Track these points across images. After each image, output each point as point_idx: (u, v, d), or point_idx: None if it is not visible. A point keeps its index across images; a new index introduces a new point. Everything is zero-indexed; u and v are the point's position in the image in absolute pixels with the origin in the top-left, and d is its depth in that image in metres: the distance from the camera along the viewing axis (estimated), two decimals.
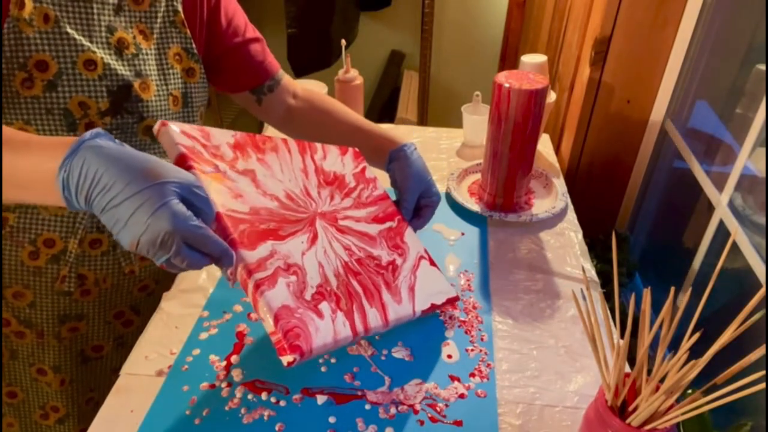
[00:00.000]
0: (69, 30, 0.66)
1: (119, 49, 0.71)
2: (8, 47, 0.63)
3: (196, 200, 0.50)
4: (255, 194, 0.61)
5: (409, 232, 0.77)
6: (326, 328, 0.57)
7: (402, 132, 1.31)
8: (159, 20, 0.75)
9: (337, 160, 0.75)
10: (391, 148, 0.82)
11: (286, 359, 0.53)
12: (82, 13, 0.67)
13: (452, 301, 0.76)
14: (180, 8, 0.77)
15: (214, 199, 0.55)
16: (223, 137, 0.63)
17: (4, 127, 0.53)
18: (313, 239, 0.64)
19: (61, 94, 0.67)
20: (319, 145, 0.74)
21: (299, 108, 0.92)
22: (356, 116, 0.90)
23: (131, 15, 0.72)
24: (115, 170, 0.47)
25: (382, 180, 0.81)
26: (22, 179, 0.51)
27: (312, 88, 1.20)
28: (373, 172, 0.80)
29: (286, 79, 0.92)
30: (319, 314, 0.58)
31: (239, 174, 0.61)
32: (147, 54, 0.74)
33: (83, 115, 0.68)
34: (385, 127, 1.33)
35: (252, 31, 0.87)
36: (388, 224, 0.75)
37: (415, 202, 0.80)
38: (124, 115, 0.72)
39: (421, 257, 0.76)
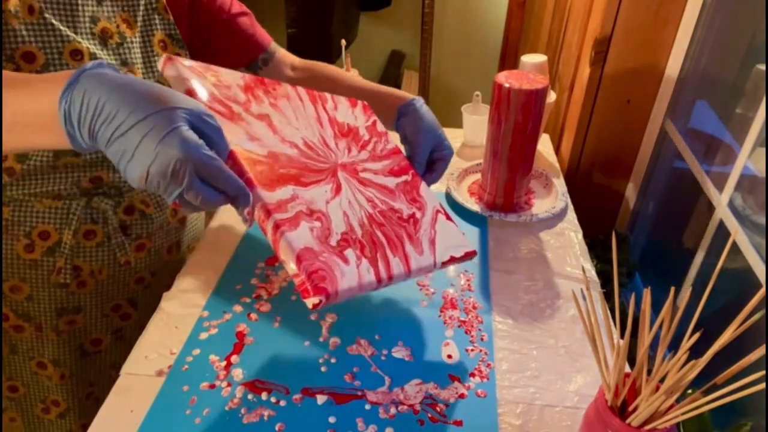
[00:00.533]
0: (54, 21, 0.66)
1: (103, 39, 0.71)
2: None
3: (207, 129, 0.46)
4: (273, 139, 0.59)
5: (423, 186, 0.75)
6: (351, 273, 0.56)
7: None
8: (141, 8, 0.75)
9: (348, 112, 0.74)
10: (399, 104, 0.80)
11: (311, 301, 0.50)
12: (66, 4, 0.67)
13: (470, 255, 0.74)
14: None
15: (230, 138, 0.52)
16: (233, 78, 0.60)
17: (5, 71, 0.52)
18: (337, 189, 0.63)
19: None
20: (328, 96, 0.72)
21: (300, 79, 0.90)
22: (360, 79, 0.89)
23: (114, 4, 0.72)
24: (119, 97, 0.43)
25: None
26: (24, 118, 0.48)
27: None
28: (382, 126, 0.79)
29: (281, 51, 0.90)
30: (345, 260, 0.56)
31: (255, 118, 0.59)
32: (132, 42, 0.74)
33: None
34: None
35: (238, 6, 0.86)
36: (403, 178, 0.74)
37: (427, 155, 0.78)
38: None
39: (438, 211, 0.74)
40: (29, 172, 0.72)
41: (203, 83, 0.55)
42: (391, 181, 0.71)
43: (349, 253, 0.58)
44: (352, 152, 0.69)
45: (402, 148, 0.79)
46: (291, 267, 0.52)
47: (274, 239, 0.52)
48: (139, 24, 0.75)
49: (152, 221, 0.83)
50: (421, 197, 0.73)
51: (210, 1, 0.82)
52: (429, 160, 0.79)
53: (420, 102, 0.81)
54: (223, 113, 0.55)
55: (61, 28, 0.67)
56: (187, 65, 0.55)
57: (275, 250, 0.53)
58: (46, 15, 0.66)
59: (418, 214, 0.71)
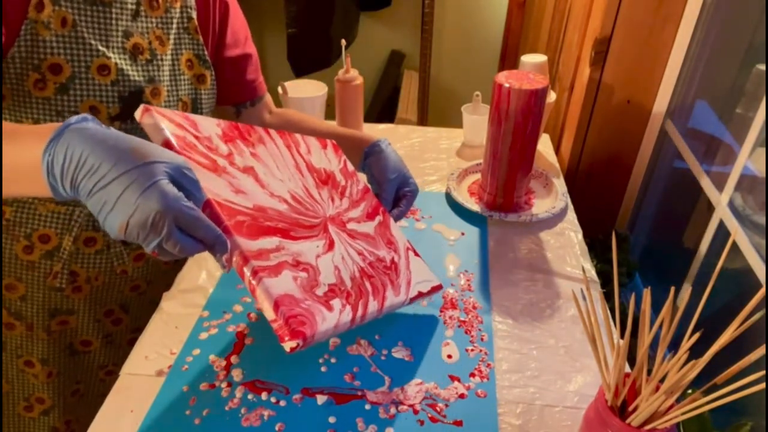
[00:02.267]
0: (86, 35, 0.66)
1: (134, 54, 0.71)
2: (24, 48, 0.63)
3: (186, 182, 0.47)
4: (262, 194, 0.60)
5: (392, 224, 0.78)
6: (332, 318, 0.57)
7: (402, 132, 1.31)
8: (174, 26, 0.76)
9: (322, 155, 0.75)
10: (365, 145, 0.83)
11: (288, 345, 0.51)
12: (100, 18, 0.68)
13: (436, 289, 0.77)
14: (194, 15, 0.78)
15: (209, 188, 0.53)
16: (211, 127, 0.60)
17: None
18: (330, 246, 0.64)
19: (72, 97, 0.67)
20: (299, 138, 0.73)
21: (274, 124, 0.93)
22: (327, 123, 0.93)
23: (148, 21, 0.73)
24: (101, 151, 0.44)
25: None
26: (9, 169, 0.49)
27: (312, 88, 1.20)
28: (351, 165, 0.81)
29: (268, 97, 0.94)
30: (329, 308, 0.57)
31: (241, 172, 0.60)
32: (162, 60, 0.75)
33: None
34: (382, 127, 1.34)
35: (250, 46, 0.88)
36: (377, 219, 0.76)
37: (394, 193, 0.81)
38: (134, 120, 0.72)
39: (408, 249, 0.77)
40: None
41: (184, 136, 0.55)
42: (370, 227, 0.73)
43: (336, 302, 0.58)
44: (336, 202, 0.71)
45: (369, 186, 0.82)
46: (269, 313, 0.51)
47: (251, 285, 0.52)
48: (171, 42, 0.76)
49: None
50: (394, 237, 0.76)
51: (231, 32, 0.84)
52: (395, 198, 0.82)
53: (385, 143, 0.84)
54: (206, 165, 0.55)
55: (92, 42, 0.67)
56: (165, 115, 0.55)
57: (253, 296, 0.52)
58: (79, 28, 0.66)
59: (396, 258, 0.73)
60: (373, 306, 0.64)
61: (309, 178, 0.69)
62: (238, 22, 0.85)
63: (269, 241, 0.56)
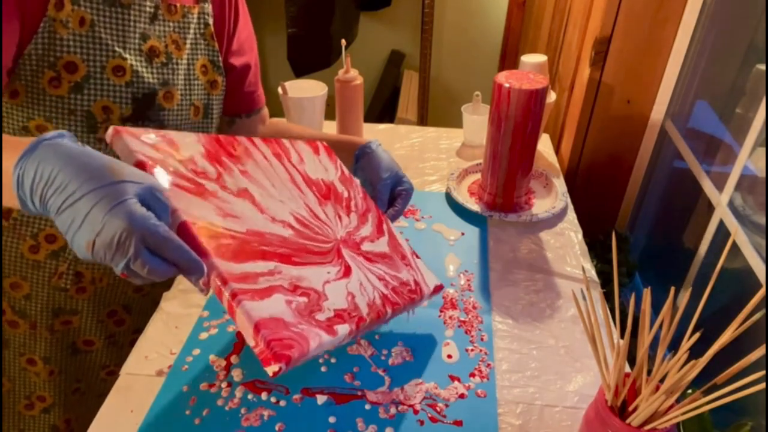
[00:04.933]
0: (103, 35, 0.67)
1: (150, 56, 0.72)
2: (41, 45, 0.64)
3: (156, 204, 0.46)
4: (261, 219, 0.57)
5: (395, 230, 0.77)
6: (331, 342, 0.54)
7: (402, 132, 1.31)
8: (191, 32, 0.76)
9: (316, 163, 0.72)
10: (355, 148, 0.83)
11: (270, 369, 0.47)
12: (118, 19, 0.68)
13: (438, 290, 0.76)
14: (210, 21, 0.78)
15: (190, 212, 0.50)
16: (192, 145, 0.57)
17: None
18: (346, 272, 0.61)
19: (86, 96, 0.67)
20: (287, 144, 0.70)
21: (266, 134, 0.93)
22: (314, 131, 0.93)
23: (165, 25, 0.73)
24: (72, 169, 0.43)
25: None
26: None
27: (312, 88, 1.20)
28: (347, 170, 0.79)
29: (265, 110, 0.94)
30: (332, 333, 0.54)
31: (234, 196, 0.56)
32: (177, 64, 0.75)
33: (105, 119, 0.69)
34: (382, 127, 1.34)
35: (252, 58, 0.88)
36: (385, 229, 0.75)
37: (388, 194, 0.80)
38: (146, 122, 0.73)
39: (413, 253, 0.76)
40: None
41: (162, 157, 0.52)
42: (384, 243, 0.71)
43: (342, 327, 0.55)
44: (344, 221, 0.68)
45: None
46: (249, 339, 0.48)
47: (230, 308, 0.48)
48: (187, 47, 0.76)
49: None
50: (402, 247, 0.74)
51: (239, 40, 0.84)
52: (390, 197, 0.81)
53: (376, 143, 0.83)
54: (190, 189, 0.52)
55: (109, 42, 0.68)
56: (139, 138, 0.52)
57: (233, 321, 0.49)
58: (96, 28, 0.66)
59: (416, 276, 0.71)
60: (382, 322, 0.63)
61: (309, 194, 0.66)
62: (245, 32, 0.86)
63: (262, 265, 0.52)
